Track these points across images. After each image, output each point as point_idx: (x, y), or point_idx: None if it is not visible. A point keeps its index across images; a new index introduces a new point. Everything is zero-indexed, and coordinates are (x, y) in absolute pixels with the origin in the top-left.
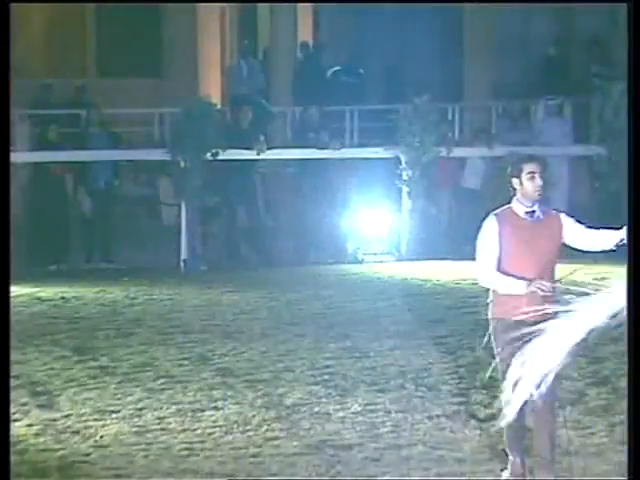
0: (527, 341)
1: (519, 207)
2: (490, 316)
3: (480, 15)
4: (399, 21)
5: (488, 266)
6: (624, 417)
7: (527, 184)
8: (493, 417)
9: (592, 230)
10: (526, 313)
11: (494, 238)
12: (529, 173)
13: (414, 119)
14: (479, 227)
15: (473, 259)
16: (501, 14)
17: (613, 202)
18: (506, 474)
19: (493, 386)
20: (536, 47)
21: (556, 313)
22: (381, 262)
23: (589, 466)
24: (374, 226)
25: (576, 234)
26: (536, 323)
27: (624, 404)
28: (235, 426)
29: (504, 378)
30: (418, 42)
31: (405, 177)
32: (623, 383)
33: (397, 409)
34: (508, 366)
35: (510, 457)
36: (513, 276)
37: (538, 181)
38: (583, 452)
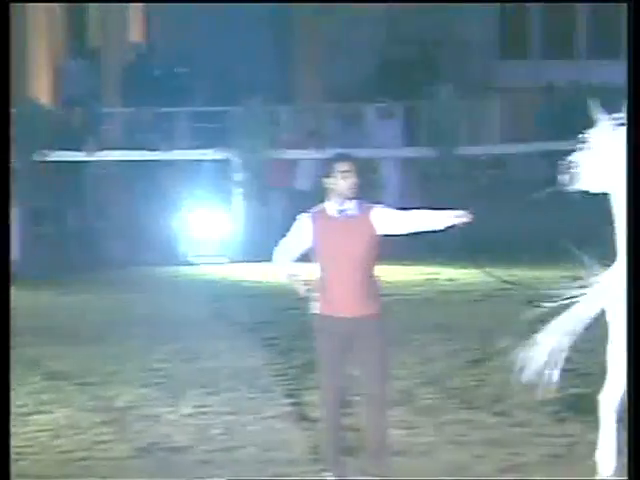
0: (350, 337)
1: (332, 205)
2: (315, 312)
3: (311, 17)
4: (230, 23)
5: (284, 257)
6: (452, 416)
7: (340, 183)
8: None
9: (413, 212)
10: (350, 310)
11: (304, 235)
12: (342, 172)
13: (245, 121)
14: None
15: (305, 261)
16: (332, 16)
17: (443, 204)
18: (328, 475)
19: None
20: (367, 50)
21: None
22: (213, 264)
23: (416, 465)
24: (206, 228)
25: (391, 221)
26: (359, 320)
27: (452, 403)
28: (64, 430)
29: (323, 378)
30: (250, 44)
31: (237, 179)
32: (452, 383)
33: (228, 411)
34: (330, 363)
35: (331, 474)
36: (329, 274)
37: (352, 180)
38: (411, 452)
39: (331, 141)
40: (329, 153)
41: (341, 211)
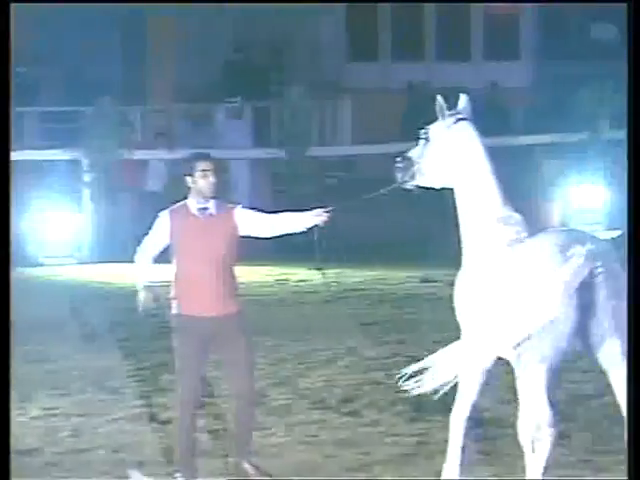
0: (210, 337)
1: (192, 204)
2: (173, 312)
3: (162, 18)
4: (81, 23)
5: (143, 256)
6: (303, 417)
7: (200, 182)
8: (175, 419)
9: (274, 215)
10: (211, 309)
11: (162, 232)
12: (202, 171)
13: (95, 121)
14: None
15: (155, 262)
16: (183, 18)
17: (297, 204)
18: (179, 476)
19: (174, 388)
20: (217, 52)
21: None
22: (62, 265)
23: (267, 466)
24: (55, 229)
25: (253, 223)
26: (220, 319)
27: (303, 404)
28: None
29: (180, 378)
30: (101, 44)
31: (87, 179)
32: (303, 383)
33: (78, 413)
34: (189, 363)
35: (180, 476)
36: (189, 273)
37: (211, 179)
38: (263, 453)
39: (181, 141)
40: (180, 153)
41: (201, 209)
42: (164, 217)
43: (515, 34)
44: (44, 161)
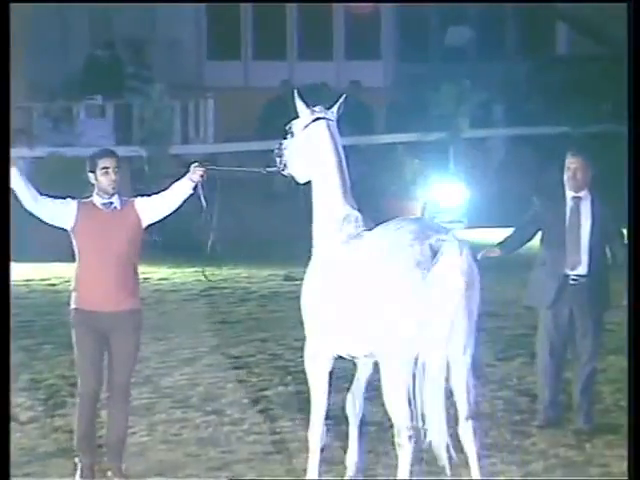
0: (108, 332)
1: (97, 199)
2: (72, 306)
3: (22, 15)
4: None
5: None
6: (166, 416)
7: (101, 179)
8: (35, 419)
9: (163, 192)
10: (109, 304)
11: (68, 212)
12: (103, 168)
13: None
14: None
15: (14, 261)
16: (38, 13)
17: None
18: (79, 463)
19: (34, 388)
20: (76, 48)
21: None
22: None
23: (130, 465)
24: None
25: (153, 207)
26: (117, 314)
27: (166, 402)
28: None
29: (80, 372)
30: None
31: None
32: (165, 382)
33: None
34: (87, 356)
35: (79, 460)
36: (90, 268)
37: (112, 176)
38: (126, 451)
39: (41, 140)
40: (40, 151)
41: (106, 204)
42: (72, 203)
43: (376, 34)
44: None
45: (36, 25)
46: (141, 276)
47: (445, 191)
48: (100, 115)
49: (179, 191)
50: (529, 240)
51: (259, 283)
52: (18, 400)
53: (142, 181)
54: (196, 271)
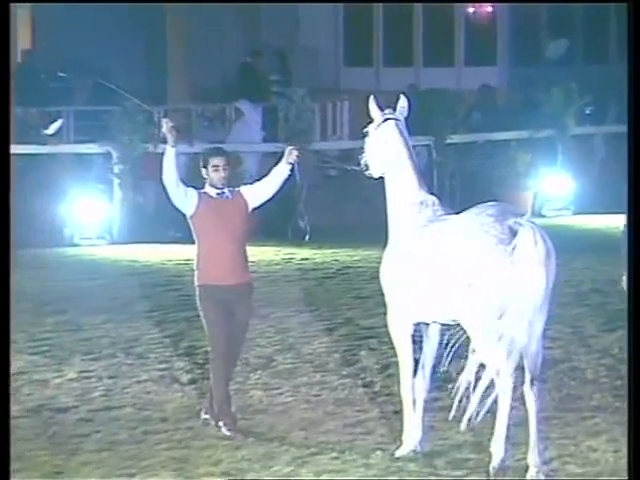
0: (231, 303)
1: (211, 190)
2: (196, 283)
3: (180, 22)
4: (108, 29)
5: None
6: (306, 379)
7: (212, 175)
8: (193, 381)
9: (265, 178)
10: (230, 278)
11: (190, 199)
12: (214, 166)
13: (124, 119)
14: (178, 218)
15: (176, 242)
16: (199, 24)
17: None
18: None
19: (193, 354)
20: (229, 56)
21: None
22: (95, 245)
23: (276, 422)
24: (89, 213)
25: (257, 192)
26: (235, 287)
27: (307, 367)
28: None
29: (212, 341)
30: (125, 49)
31: (116, 170)
32: (305, 349)
33: (108, 375)
34: (214, 328)
35: (223, 424)
36: (210, 248)
37: (221, 173)
38: (271, 411)
39: (198, 138)
40: (198, 147)
41: (219, 194)
42: (194, 194)
43: (493, 41)
44: (80, 154)
45: (194, 35)
46: (285, 256)
47: (554, 182)
48: (249, 115)
49: (278, 174)
50: None
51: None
52: (180, 364)
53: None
54: (334, 252)
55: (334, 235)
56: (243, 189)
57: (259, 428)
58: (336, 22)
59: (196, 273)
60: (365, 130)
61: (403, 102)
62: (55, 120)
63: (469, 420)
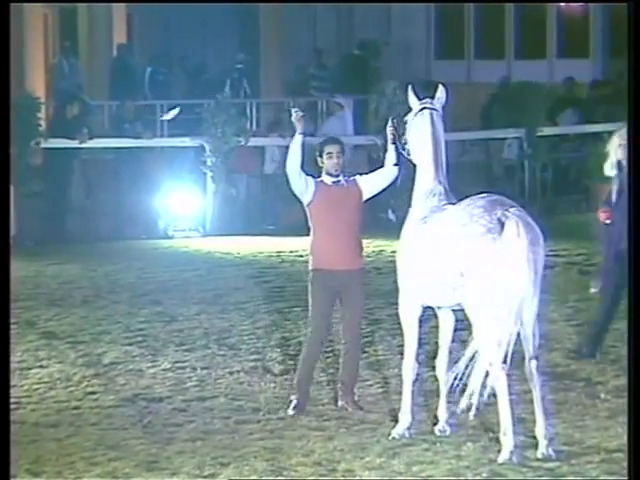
0: (341, 288)
1: (327, 178)
2: (310, 267)
3: (273, 18)
4: (202, 23)
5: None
6: (397, 370)
7: (327, 162)
8: (286, 372)
9: (380, 170)
10: (343, 263)
11: (309, 187)
12: (328, 153)
13: (217, 113)
14: (270, 210)
15: (268, 234)
16: (292, 17)
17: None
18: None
19: (285, 345)
20: (322, 50)
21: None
22: (188, 237)
23: (366, 412)
24: (182, 206)
25: (373, 182)
26: (350, 272)
27: (397, 359)
28: (58, 382)
29: (314, 320)
30: (219, 43)
31: (209, 163)
32: (396, 341)
33: (202, 366)
34: (322, 313)
35: (296, 398)
36: (326, 233)
37: (335, 160)
38: (362, 402)
39: (291, 130)
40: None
41: (335, 182)
42: (312, 183)
43: (585, 33)
44: (173, 147)
45: (289, 30)
46: (377, 249)
47: None
48: (341, 109)
49: (389, 163)
50: None
51: None
52: (272, 355)
53: (375, 165)
54: None
55: None
56: (359, 178)
57: (351, 419)
58: (428, 15)
59: (310, 258)
60: (405, 118)
61: (441, 92)
62: (174, 107)
63: (477, 409)
